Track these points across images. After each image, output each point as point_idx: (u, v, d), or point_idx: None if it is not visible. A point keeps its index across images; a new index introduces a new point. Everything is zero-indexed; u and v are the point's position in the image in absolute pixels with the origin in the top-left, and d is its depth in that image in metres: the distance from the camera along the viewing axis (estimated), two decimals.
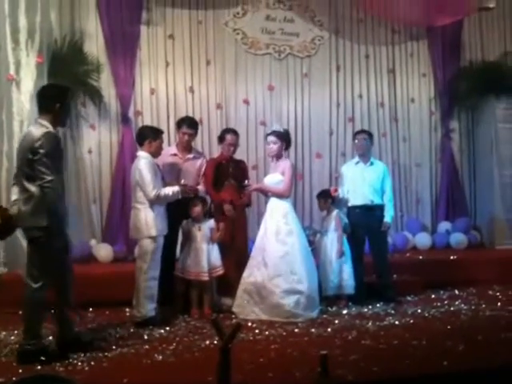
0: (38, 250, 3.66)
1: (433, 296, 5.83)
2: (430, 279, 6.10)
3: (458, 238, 7.37)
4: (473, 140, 8.01)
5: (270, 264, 4.91)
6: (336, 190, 5.68)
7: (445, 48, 7.85)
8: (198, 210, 5.10)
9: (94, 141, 6.75)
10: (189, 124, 5.39)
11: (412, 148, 7.90)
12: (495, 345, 3.98)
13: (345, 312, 5.15)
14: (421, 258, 6.74)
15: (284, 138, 5.27)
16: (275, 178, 5.19)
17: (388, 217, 5.65)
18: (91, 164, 6.73)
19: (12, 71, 5.62)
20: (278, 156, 5.25)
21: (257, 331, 4.46)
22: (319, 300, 5.07)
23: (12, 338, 4.25)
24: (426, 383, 3.38)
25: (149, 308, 4.67)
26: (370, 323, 4.70)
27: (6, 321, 4.63)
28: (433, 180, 7.96)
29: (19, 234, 4.04)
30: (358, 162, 5.80)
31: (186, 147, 5.43)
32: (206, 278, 5.00)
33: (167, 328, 4.58)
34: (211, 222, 5.15)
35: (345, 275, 5.40)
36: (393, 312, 5.14)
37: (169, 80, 7.04)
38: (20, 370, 3.51)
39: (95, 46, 6.71)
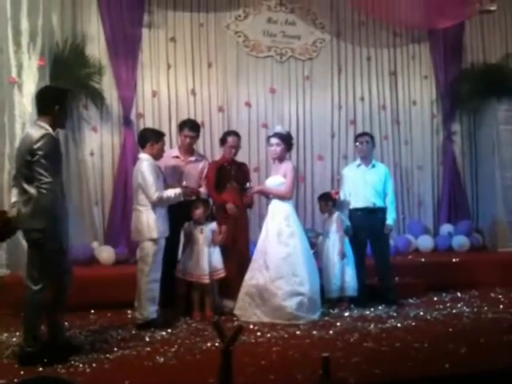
0: (38, 252, 3.65)
1: (435, 298, 5.83)
2: (432, 282, 6.09)
3: (460, 241, 7.35)
4: (475, 142, 8.00)
5: (272, 266, 4.91)
6: (337, 193, 5.69)
7: (446, 50, 7.84)
8: (199, 212, 5.10)
9: (96, 143, 6.75)
10: (191, 127, 5.40)
11: (414, 150, 7.90)
12: (497, 347, 3.98)
13: (347, 314, 5.14)
14: (423, 260, 6.73)
15: (286, 140, 5.28)
16: (277, 180, 5.19)
17: (390, 219, 5.66)
18: (93, 166, 6.74)
19: (14, 74, 5.64)
20: (281, 158, 5.25)
21: (258, 333, 4.46)
22: (321, 302, 5.06)
23: (14, 339, 4.26)
24: None
25: (150, 310, 4.67)
26: (371, 325, 4.70)
27: (8, 322, 4.65)
28: (435, 182, 7.95)
29: (21, 235, 4.03)
30: (359, 165, 5.80)
31: (188, 150, 5.43)
32: (206, 280, 4.99)
33: (169, 330, 4.58)
34: (213, 225, 5.15)
35: (347, 277, 5.39)
36: (395, 314, 5.14)
37: (170, 82, 7.04)
38: (21, 372, 3.51)
39: (97, 49, 6.72)
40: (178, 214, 4.97)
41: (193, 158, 5.44)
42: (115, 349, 4.04)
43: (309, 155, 7.50)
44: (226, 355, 2.74)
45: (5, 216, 3.70)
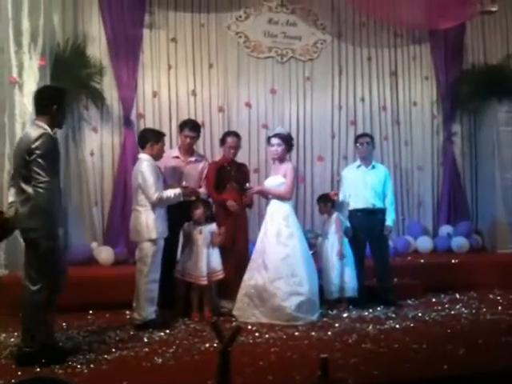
0: (35, 252, 3.64)
1: (433, 300, 5.82)
2: (430, 283, 6.08)
3: (460, 242, 7.35)
4: (475, 143, 7.99)
5: (271, 266, 4.91)
6: (336, 194, 5.69)
7: (447, 51, 7.84)
8: (199, 212, 5.10)
9: (96, 143, 6.76)
10: (191, 127, 5.40)
11: (414, 151, 7.90)
12: (496, 349, 3.98)
13: (345, 315, 5.14)
14: (422, 261, 6.73)
15: (287, 140, 5.29)
16: (276, 181, 5.19)
17: (390, 220, 5.66)
18: (93, 166, 6.74)
19: (15, 74, 5.65)
20: (281, 159, 5.26)
21: (257, 334, 4.46)
22: (320, 303, 5.06)
23: (12, 340, 4.26)
24: None
25: (149, 311, 4.67)
26: (370, 327, 4.70)
27: (6, 323, 4.65)
28: (434, 183, 7.95)
29: (19, 235, 4.03)
30: (359, 166, 5.80)
31: (188, 150, 5.44)
32: (204, 282, 4.99)
33: (167, 331, 4.58)
34: (213, 226, 5.14)
35: (346, 278, 5.39)
36: (393, 315, 5.13)
37: (171, 83, 7.05)
38: (19, 373, 3.52)
39: (98, 49, 6.72)
40: (177, 215, 4.97)
41: (193, 159, 5.44)
42: (113, 349, 4.04)
43: (309, 156, 7.51)
44: (225, 356, 2.74)
45: (2, 216, 3.69)
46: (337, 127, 7.63)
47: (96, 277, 5.65)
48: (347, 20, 7.70)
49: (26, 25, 5.67)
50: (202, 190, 5.34)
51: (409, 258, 6.99)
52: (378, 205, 5.64)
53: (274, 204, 5.16)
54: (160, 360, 3.81)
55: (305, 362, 3.69)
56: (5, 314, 4.80)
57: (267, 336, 4.42)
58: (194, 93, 7.12)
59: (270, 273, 4.90)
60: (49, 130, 3.70)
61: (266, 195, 5.36)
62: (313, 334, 4.49)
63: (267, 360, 3.78)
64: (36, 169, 3.56)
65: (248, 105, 7.31)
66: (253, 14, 7.35)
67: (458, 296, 5.98)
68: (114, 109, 6.80)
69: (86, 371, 3.58)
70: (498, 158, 7.52)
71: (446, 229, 7.63)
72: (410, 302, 5.70)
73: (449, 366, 3.55)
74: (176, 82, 7.07)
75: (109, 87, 6.74)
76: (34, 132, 3.66)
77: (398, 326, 4.75)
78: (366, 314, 5.21)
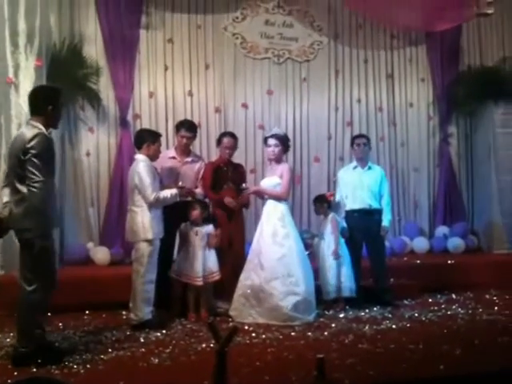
0: (30, 252, 3.62)
1: (430, 300, 5.83)
2: (427, 283, 6.10)
3: (456, 243, 7.37)
4: (471, 145, 8.01)
5: (267, 266, 4.91)
6: (332, 195, 5.71)
7: (443, 53, 7.87)
8: (196, 213, 5.10)
9: (93, 144, 6.75)
10: (188, 127, 5.40)
11: (410, 152, 7.91)
12: (492, 349, 3.99)
13: (342, 316, 5.14)
14: (418, 262, 6.75)
15: (284, 141, 5.30)
16: (272, 181, 5.20)
17: (386, 221, 5.67)
18: (89, 167, 6.73)
19: (11, 74, 5.62)
20: (278, 159, 5.27)
21: (253, 334, 4.46)
22: (316, 304, 5.06)
23: (8, 340, 4.25)
24: None
25: (145, 311, 4.67)
26: (366, 327, 4.70)
27: (2, 323, 4.63)
28: (431, 185, 7.96)
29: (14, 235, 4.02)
30: (355, 167, 5.81)
31: (185, 150, 5.43)
32: (199, 282, 4.98)
33: (164, 331, 4.58)
34: (209, 227, 5.14)
35: (342, 278, 5.39)
36: (390, 316, 5.14)
37: (168, 84, 7.04)
38: (15, 373, 3.51)
39: (94, 50, 6.71)
40: (173, 215, 4.97)
41: (189, 159, 5.44)
42: (110, 350, 4.04)
43: (305, 157, 7.51)
44: (221, 356, 2.74)
45: None
46: (333, 128, 7.64)
47: (92, 277, 5.63)
48: (344, 22, 7.72)
49: (22, 25, 5.65)
50: (199, 191, 5.34)
51: (405, 258, 7.01)
52: (375, 205, 5.65)
53: (270, 204, 5.16)
54: (156, 360, 3.80)
55: (301, 362, 3.69)
56: (1, 314, 4.79)
57: (264, 336, 4.42)
58: (190, 93, 7.12)
59: (266, 273, 4.90)
60: (44, 130, 3.69)
61: (262, 195, 5.36)
62: (309, 334, 4.49)
63: (264, 360, 3.78)
64: (31, 168, 3.55)
65: (244, 105, 7.32)
66: (249, 16, 7.36)
67: (454, 296, 5.99)
68: (110, 109, 6.79)
69: (82, 371, 3.57)
70: (493, 160, 7.54)
71: (442, 229, 7.65)
72: (406, 302, 5.71)
73: (445, 366, 3.55)
74: (172, 82, 7.06)
75: (105, 88, 6.74)
76: (29, 132, 3.65)
77: (394, 326, 4.76)
78: (363, 314, 5.21)
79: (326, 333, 4.52)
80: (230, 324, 4.69)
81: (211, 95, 7.19)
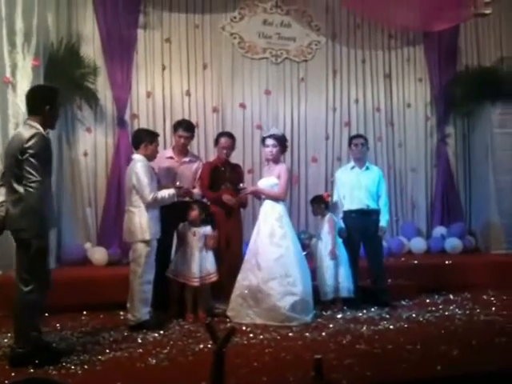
0: (27, 252, 3.60)
1: (427, 300, 5.83)
2: (424, 284, 6.11)
3: (453, 243, 7.38)
4: (468, 145, 8.03)
5: (264, 266, 4.91)
6: (329, 195, 5.70)
7: (441, 53, 7.88)
8: (195, 214, 5.09)
9: (90, 143, 6.74)
10: (185, 127, 5.39)
11: (408, 153, 7.93)
12: (489, 349, 3.99)
13: (339, 316, 5.14)
14: (416, 262, 6.76)
15: (282, 141, 5.30)
16: (270, 182, 5.20)
17: (383, 221, 5.67)
18: (87, 167, 6.73)
19: (8, 74, 5.62)
20: (275, 160, 5.26)
21: (251, 335, 4.45)
22: (314, 304, 5.06)
23: (5, 340, 4.23)
24: None
25: (143, 312, 4.66)
26: (364, 327, 4.70)
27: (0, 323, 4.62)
28: (428, 185, 7.98)
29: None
30: (353, 167, 5.81)
31: (182, 150, 5.42)
32: (196, 283, 4.98)
33: (161, 332, 4.56)
34: (207, 229, 5.12)
35: (340, 278, 5.39)
36: (387, 316, 5.14)
37: (165, 83, 7.05)
38: (12, 374, 3.49)
39: (92, 49, 6.71)
40: (171, 215, 4.96)
41: (187, 159, 5.43)
42: (107, 350, 4.03)
43: (303, 157, 7.52)
44: (219, 357, 2.73)
45: None
46: (331, 128, 7.65)
47: (90, 277, 5.62)
48: (341, 21, 7.73)
49: (19, 24, 5.65)
50: (196, 191, 5.33)
51: (403, 258, 7.02)
52: (372, 206, 5.65)
53: (268, 205, 5.16)
54: (154, 361, 3.79)
55: (299, 362, 3.68)
56: None
57: (261, 337, 4.41)
58: (188, 93, 7.12)
59: (263, 273, 4.90)
60: (41, 129, 3.68)
61: (260, 196, 5.36)
62: (307, 334, 4.48)
63: (261, 361, 3.77)
64: (28, 168, 3.54)
65: (242, 105, 7.32)
66: (247, 15, 7.36)
67: (451, 297, 6.00)
68: (107, 109, 6.79)
69: (79, 372, 3.56)
70: (491, 160, 7.55)
71: (439, 230, 7.66)
72: (403, 302, 5.71)
73: (443, 367, 3.55)
74: (170, 82, 7.07)
75: (103, 87, 6.73)
76: (26, 132, 3.63)
77: (392, 326, 4.76)
78: (360, 314, 5.21)
79: (323, 333, 4.51)
80: (228, 324, 4.69)
81: (209, 95, 7.19)
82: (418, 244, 7.47)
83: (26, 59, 5.66)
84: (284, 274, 4.88)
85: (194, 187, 5.33)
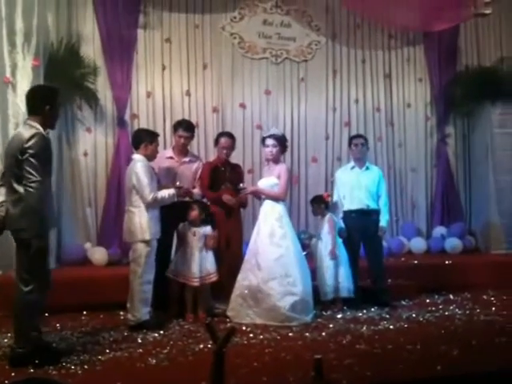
0: (27, 252, 3.60)
1: (427, 300, 5.83)
2: (424, 284, 6.11)
3: (453, 243, 7.38)
4: (468, 145, 8.03)
5: (264, 266, 4.91)
6: (329, 195, 5.70)
7: (441, 53, 7.88)
8: (195, 214, 5.09)
9: (90, 144, 6.74)
10: (185, 127, 5.39)
11: (408, 153, 7.93)
12: (489, 349, 3.99)
13: (339, 316, 5.14)
14: (416, 262, 6.76)
15: (282, 141, 5.30)
16: (270, 182, 5.20)
17: (383, 221, 5.67)
18: (87, 167, 6.73)
19: (8, 74, 5.62)
20: (276, 160, 5.26)
21: (251, 335, 4.45)
22: (314, 304, 5.06)
23: (5, 340, 4.23)
24: None
25: (143, 312, 4.66)
26: (364, 327, 4.70)
27: (0, 323, 4.61)
28: (428, 185, 7.98)
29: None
30: (353, 167, 5.81)
31: (182, 150, 5.42)
32: (196, 283, 4.98)
33: (161, 332, 4.56)
34: (207, 229, 5.12)
35: (340, 278, 5.39)
36: (387, 316, 5.14)
37: (165, 83, 7.05)
38: (12, 374, 3.49)
39: (92, 49, 6.71)
40: (171, 215, 4.96)
41: (187, 159, 5.43)
42: (107, 350, 4.03)
43: (303, 157, 7.52)
44: (219, 357, 2.73)
45: None
46: (331, 128, 7.65)
47: (90, 277, 5.62)
48: (341, 21, 7.73)
49: (19, 24, 5.65)
50: (196, 191, 5.33)
51: (403, 258, 7.02)
52: (372, 206, 5.65)
53: (268, 205, 5.16)
54: (154, 361, 3.79)
55: (299, 362, 3.68)
56: None
57: (261, 337, 4.41)
58: (188, 93, 7.12)
59: (263, 273, 4.90)
60: (41, 129, 3.67)
61: (260, 196, 5.36)
62: (307, 334, 4.48)
63: (261, 361, 3.77)
64: (28, 168, 3.54)
65: (242, 105, 7.32)
66: (247, 15, 7.36)
67: (451, 297, 6.00)
68: (107, 109, 6.79)
69: (79, 372, 3.56)
70: (491, 160, 7.55)
71: (439, 230, 7.66)
72: (403, 302, 5.71)
73: (442, 367, 3.55)
74: (170, 82, 7.07)
75: (103, 87, 6.73)
76: (26, 132, 3.63)
77: (391, 326, 4.76)
78: (360, 314, 5.21)
79: (323, 333, 4.51)
80: (228, 324, 4.69)
81: (209, 95, 7.19)
82: (417, 244, 7.48)
83: (25, 59, 5.66)
84: (284, 274, 4.88)
85: (193, 187, 5.33)
